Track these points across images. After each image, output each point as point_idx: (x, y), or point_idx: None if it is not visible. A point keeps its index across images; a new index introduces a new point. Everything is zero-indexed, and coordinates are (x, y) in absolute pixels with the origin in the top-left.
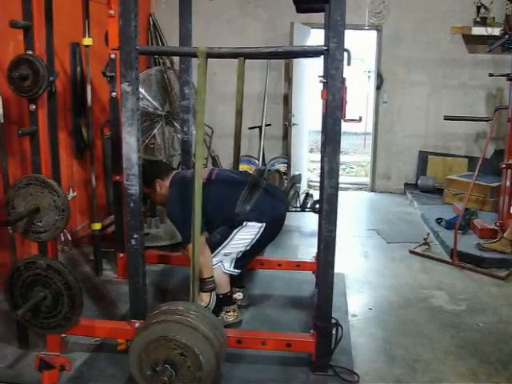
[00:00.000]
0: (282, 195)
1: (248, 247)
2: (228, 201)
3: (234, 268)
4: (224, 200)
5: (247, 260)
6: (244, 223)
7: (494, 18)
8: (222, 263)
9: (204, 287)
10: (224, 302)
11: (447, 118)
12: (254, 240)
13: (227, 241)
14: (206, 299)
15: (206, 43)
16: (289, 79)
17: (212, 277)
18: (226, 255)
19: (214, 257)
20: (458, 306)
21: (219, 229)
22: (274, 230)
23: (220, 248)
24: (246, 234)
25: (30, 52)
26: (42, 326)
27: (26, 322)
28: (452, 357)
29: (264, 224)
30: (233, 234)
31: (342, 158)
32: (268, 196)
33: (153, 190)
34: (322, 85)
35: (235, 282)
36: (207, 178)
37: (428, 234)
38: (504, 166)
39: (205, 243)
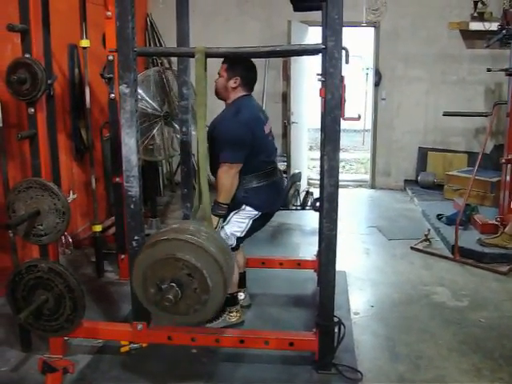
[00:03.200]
0: (284, 193)
1: (243, 233)
2: (255, 162)
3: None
4: (257, 158)
5: (238, 245)
6: (243, 206)
7: (491, 12)
8: None
9: (215, 210)
10: (229, 302)
11: (446, 114)
12: (248, 226)
13: (225, 222)
14: (214, 223)
15: (203, 43)
16: (287, 77)
17: (226, 205)
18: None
19: None
20: (460, 301)
21: None
22: (263, 221)
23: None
24: (243, 218)
25: (27, 55)
26: (45, 329)
27: (29, 325)
28: (455, 353)
29: (259, 213)
30: (230, 215)
31: (342, 155)
32: (275, 189)
33: (226, 78)
34: (320, 82)
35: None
36: (267, 133)
37: (429, 230)
38: (504, 160)
39: (236, 173)
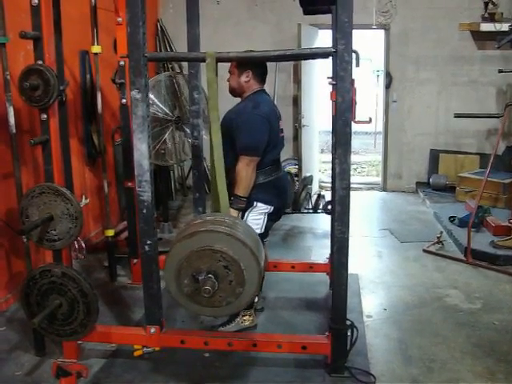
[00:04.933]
0: (290, 188)
1: (263, 229)
2: (264, 158)
3: None
4: (267, 153)
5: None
6: (254, 203)
7: (502, 13)
8: None
9: (235, 204)
10: None
11: (457, 116)
12: (265, 222)
13: None
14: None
15: (213, 47)
16: (298, 81)
17: (245, 198)
18: None
19: None
20: (473, 304)
21: None
22: (276, 216)
23: None
24: (257, 215)
25: (40, 62)
26: (59, 334)
27: (43, 329)
28: (468, 356)
29: (271, 208)
30: (246, 215)
31: (353, 157)
32: (281, 184)
33: (237, 74)
34: (331, 86)
35: None
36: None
37: (441, 232)
38: None
39: (255, 167)
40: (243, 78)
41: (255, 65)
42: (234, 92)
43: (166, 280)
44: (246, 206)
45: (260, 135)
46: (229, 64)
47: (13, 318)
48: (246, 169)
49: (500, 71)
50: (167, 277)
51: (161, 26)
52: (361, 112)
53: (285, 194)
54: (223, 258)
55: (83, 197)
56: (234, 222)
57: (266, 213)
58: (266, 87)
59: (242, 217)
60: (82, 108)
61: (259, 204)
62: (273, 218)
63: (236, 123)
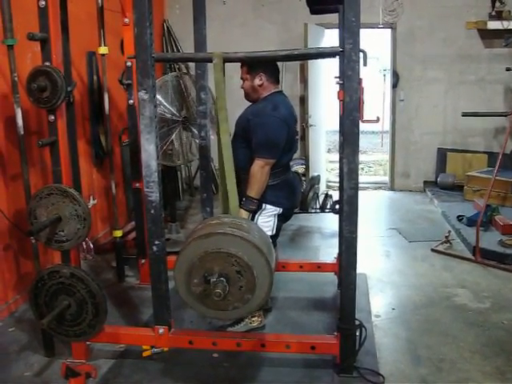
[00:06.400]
0: (299, 189)
1: (274, 230)
2: (289, 156)
3: None
4: (291, 151)
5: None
6: (263, 205)
7: (509, 11)
8: None
9: (246, 205)
10: None
11: (465, 115)
12: (275, 223)
13: None
14: (246, 217)
15: (220, 47)
16: (304, 80)
17: (257, 200)
18: None
19: None
20: (482, 303)
21: None
22: (285, 218)
23: None
24: (267, 217)
25: (47, 63)
26: (68, 334)
27: (52, 330)
28: (478, 356)
29: (281, 209)
30: (256, 218)
31: (360, 157)
32: (289, 185)
33: (250, 79)
34: (338, 85)
35: None
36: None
37: (449, 231)
38: None
39: (269, 170)
40: (257, 82)
41: (266, 66)
42: (250, 97)
43: (175, 277)
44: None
45: (278, 138)
46: (235, 64)
47: (22, 318)
48: (261, 171)
49: (508, 69)
50: (177, 274)
51: (167, 27)
52: (368, 111)
53: (294, 195)
54: (237, 263)
55: (91, 197)
56: (250, 226)
57: (275, 214)
58: None
59: (252, 219)
60: (89, 109)
61: (268, 206)
62: (282, 218)
63: (254, 124)
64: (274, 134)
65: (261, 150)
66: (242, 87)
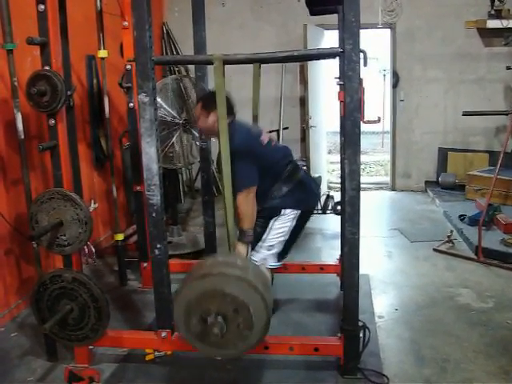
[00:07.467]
0: (316, 186)
1: (287, 235)
2: (273, 172)
3: (277, 261)
4: (272, 167)
5: (287, 249)
6: (282, 211)
7: (508, 10)
8: (266, 261)
9: (242, 238)
10: None
11: (466, 114)
12: (292, 227)
13: (267, 232)
14: (244, 251)
15: (219, 49)
16: (304, 81)
17: (251, 229)
18: (269, 249)
19: (257, 253)
20: (485, 303)
21: (257, 221)
22: (305, 218)
23: (262, 241)
24: (284, 222)
25: (47, 67)
26: (70, 339)
27: (54, 335)
28: (482, 355)
29: (299, 211)
30: (271, 223)
31: (361, 157)
32: (305, 186)
33: (205, 115)
34: (338, 86)
35: None
36: (267, 142)
37: (451, 231)
38: None
39: (254, 196)
40: (212, 118)
41: None
42: (207, 134)
43: (175, 317)
44: (270, 214)
45: (244, 167)
46: (235, 66)
47: (24, 323)
48: (245, 201)
49: (508, 68)
50: (176, 315)
51: (166, 30)
52: (368, 112)
53: (311, 196)
54: (233, 301)
55: (92, 201)
56: (244, 264)
57: (293, 218)
58: (273, 89)
59: (267, 224)
60: (89, 112)
61: (287, 210)
62: (301, 221)
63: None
64: (238, 167)
65: (237, 185)
66: (198, 126)
